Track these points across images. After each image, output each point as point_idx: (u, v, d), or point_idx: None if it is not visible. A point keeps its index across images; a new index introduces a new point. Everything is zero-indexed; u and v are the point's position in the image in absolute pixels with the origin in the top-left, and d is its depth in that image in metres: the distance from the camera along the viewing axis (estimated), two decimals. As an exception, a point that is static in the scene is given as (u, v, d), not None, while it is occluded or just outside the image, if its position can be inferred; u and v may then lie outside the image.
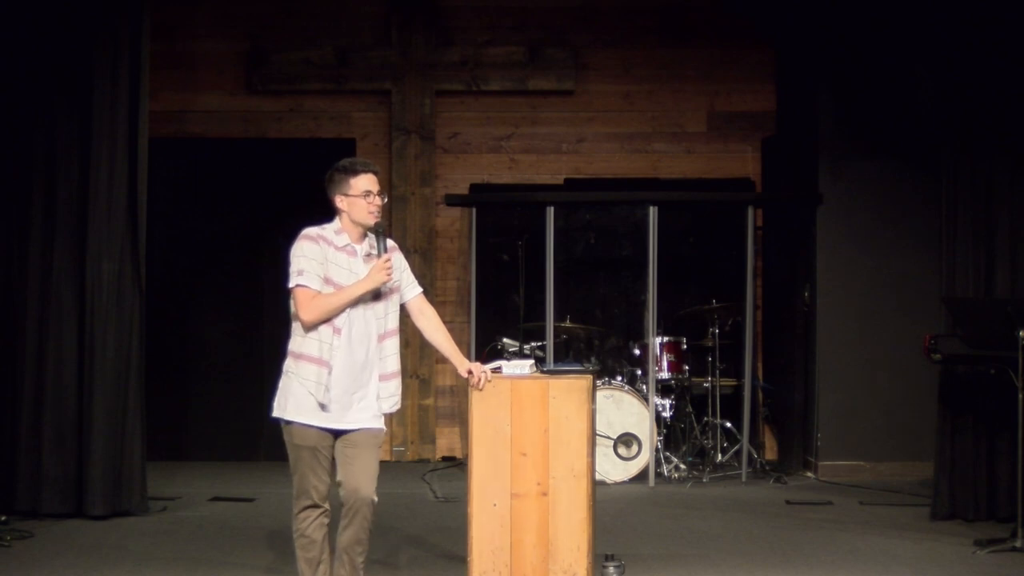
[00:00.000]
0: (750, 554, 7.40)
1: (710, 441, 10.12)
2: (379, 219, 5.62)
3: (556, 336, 9.99)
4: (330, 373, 5.51)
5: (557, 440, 5.87)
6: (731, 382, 10.40)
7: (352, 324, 5.55)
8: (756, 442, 10.47)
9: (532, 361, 6.28)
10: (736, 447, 10.06)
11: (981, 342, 7.70)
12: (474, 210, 10.37)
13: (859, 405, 10.03)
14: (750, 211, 10.09)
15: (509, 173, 11.16)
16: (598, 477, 7.21)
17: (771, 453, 10.80)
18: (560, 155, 11.19)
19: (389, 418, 5.77)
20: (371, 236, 5.62)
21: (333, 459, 5.62)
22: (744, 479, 9.82)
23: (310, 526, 5.60)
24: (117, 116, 8.39)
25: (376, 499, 5.60)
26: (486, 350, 9.97)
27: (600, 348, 10.52)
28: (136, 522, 8.23)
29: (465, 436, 9.65)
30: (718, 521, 8.37)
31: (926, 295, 9.25)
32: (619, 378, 10.05)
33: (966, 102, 8.34)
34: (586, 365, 6.99)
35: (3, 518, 7.91)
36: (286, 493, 5.95)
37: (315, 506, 5.59)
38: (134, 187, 8.45)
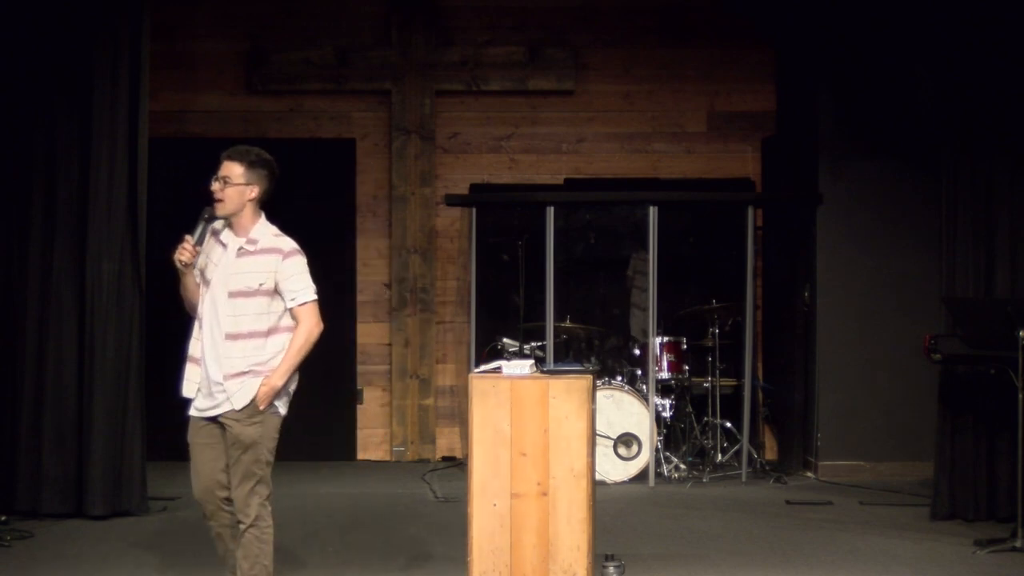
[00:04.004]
0: (750, 554, 7.40)
1: (710, 441, 10.12)
2: (220, 204, 5.88)
3: (556, 336, 9.98)
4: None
5: (557, 440, 5.87)
6: (731, 382, 10.40)
7: (206, 317, 5.87)
8: (756, 442, 10.46)
9: (532, 361, 6.28)
10: (736, 447, 10.06)
11: (981, 342, 7.70)
12: (474, 210, 10.37)
13: (859, 405, 10.02)
14: (750, 211, 10.09)
15: (509, 173, 11.15)
16: (598, 477, 7.20)
17: (771, 453, 10.80)
18: (560, 155, 11.18)
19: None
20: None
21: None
22: (744, 479, 9.81)
23: None
24: (117, 116, 8.38)
25: (218, 495, 5.93)
26: (486, 350, 9.96)
27: (600, 348, 10.51)
28: (136, 522, 8.23)
29: (465, 436, 9.65)
30: (718, 521, 8.37)
31: (926, 295, 9.24)
32: (619, 378, 10.05)
33: (966, 102, 8.33)
34: (586, 365, 6.99)
35: (3, 518, 7.90)
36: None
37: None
38: (134, 187, 8.45)
